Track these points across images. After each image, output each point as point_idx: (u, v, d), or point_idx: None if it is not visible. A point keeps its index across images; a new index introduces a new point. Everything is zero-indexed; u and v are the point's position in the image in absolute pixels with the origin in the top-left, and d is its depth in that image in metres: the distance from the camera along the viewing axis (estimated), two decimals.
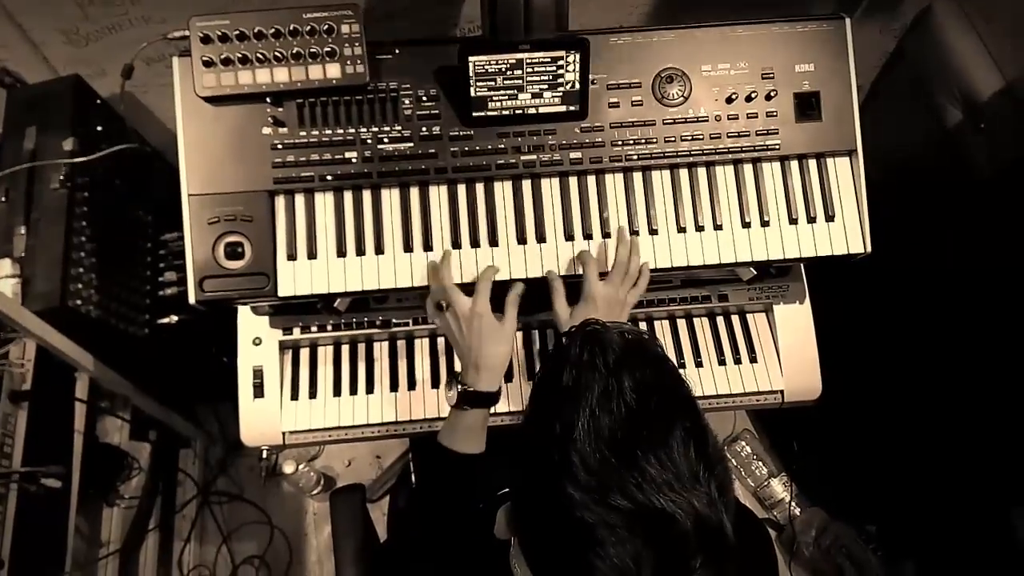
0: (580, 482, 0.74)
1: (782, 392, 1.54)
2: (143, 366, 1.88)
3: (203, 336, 1.89)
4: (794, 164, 1.39)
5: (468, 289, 1.29)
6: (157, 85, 1.84)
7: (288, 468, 2.18)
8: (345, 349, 1.55)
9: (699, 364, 1.55)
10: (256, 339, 1.51)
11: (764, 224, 1.37)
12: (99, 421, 1.88)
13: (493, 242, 1.34)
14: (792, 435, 2.11)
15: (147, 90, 1.86)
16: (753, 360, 1.55)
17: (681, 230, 1.36)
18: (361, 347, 1.55)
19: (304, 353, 1.54)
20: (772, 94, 1.35)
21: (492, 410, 1.31)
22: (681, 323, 1.59)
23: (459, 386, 1.27)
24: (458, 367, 1.36)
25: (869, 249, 1.37)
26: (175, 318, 1.82)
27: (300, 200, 1.33)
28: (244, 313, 1.51)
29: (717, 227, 1.36)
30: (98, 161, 1.65)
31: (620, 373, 0.82)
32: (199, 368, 2.05)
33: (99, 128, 1.77)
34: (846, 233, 1.37)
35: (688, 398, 0.86)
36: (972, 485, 1.86)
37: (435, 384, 1.52)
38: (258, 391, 1.49)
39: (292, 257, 1.31)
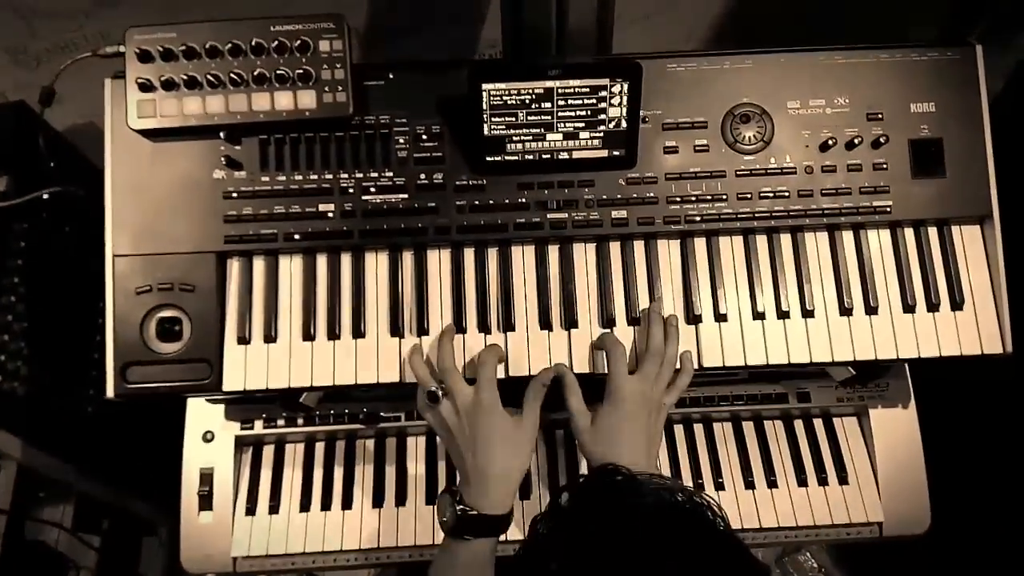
0: None
1: (880, 525, 1.19)
2: (90, 446, 1.58)
3: (161, 410, 1.58)
4: (909, 232, 1.06)
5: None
6: None
7: None
8: (319, 448, 1.23)
9: (772, 484, 1.20)
10: (207, 433, 1.20)
11: (870, 311, 1.03)
12: (33, 514, 1.56)
13: (508, 326, 1.02)
14: (869, 551, 1.73)
15: None
16: (843, 480, 1.20)
17: (758, 316, 1.03)
18: (340, 446, 1.23)
19: (267, 452, 1.23)
20: (881, 140, 1.03)
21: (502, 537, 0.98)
22: (748, 427, 1.25)
23: (457, 507, 0.94)
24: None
25: (1010, 349, 1.03)
26: None
27: (259, 265, 1.03)
28: (194, 399, 1.21)
29: (807, 313, 1.03)
30: (39, 205, 1.36)
31: (664, 562, 0.59)
32: (159, 445, 1.74)
33: (51, 164, 1.49)
34: (978, 327, 1.03)
35: None
36: None
37: (431, 499, 1.19)
38: (205, 502, 1.18)
39: (244, 340, 1.01)
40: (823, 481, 1.20)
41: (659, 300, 1.03)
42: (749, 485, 1.20)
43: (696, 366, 1.01)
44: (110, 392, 1.00)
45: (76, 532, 1.66)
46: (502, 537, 0.97)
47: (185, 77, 0.98)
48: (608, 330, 1.02)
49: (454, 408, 0.97)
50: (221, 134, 1.00)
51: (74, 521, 1.66)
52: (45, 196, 1.40)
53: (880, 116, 1.04)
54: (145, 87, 0.99)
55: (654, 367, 0.98)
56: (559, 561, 0.66)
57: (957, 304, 1.03)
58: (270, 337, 1.01)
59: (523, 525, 1.14)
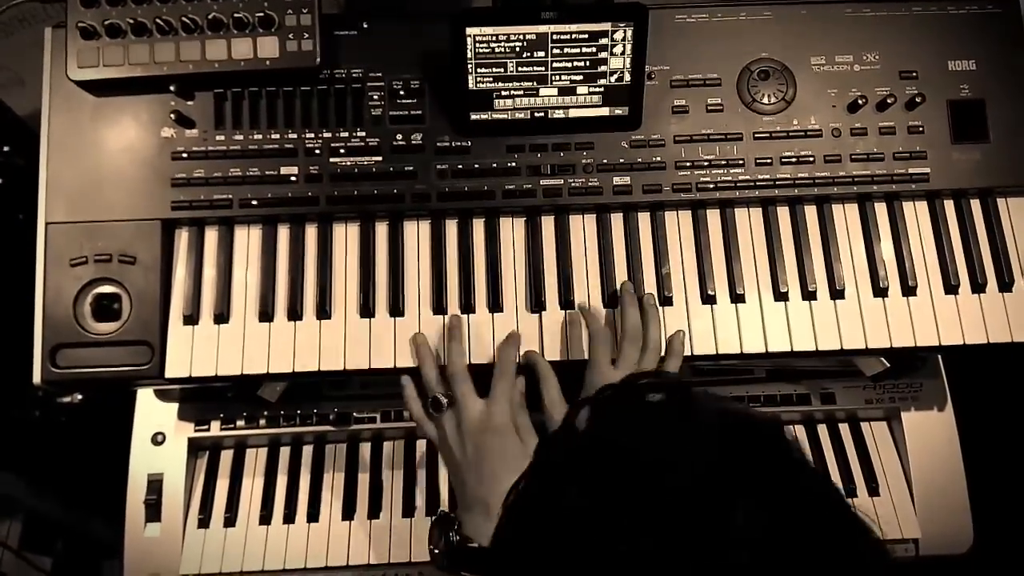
0: None
1: (916, 542, 1.05)
2: (39, 455, 1.44)
3: (123, 415, 1.45)
4: (949, 204, 0.94)
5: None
6: None
7: None
8: (284, 453, 1.09)
9: None
10: (157, 435, 1.06)
11: (908, 292, 0.90)
12: None
13: (495, 305, 0.90)
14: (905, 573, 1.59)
15: None
16: (873, 492, 1.07)
17: (781, 296, 0.90)
18: (307, 451, 1.09)
19: (225, 457, 1.09)
20: (916, 100, 0.92)
21: None
22: None
23: (454, 537, 0.80)
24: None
25: None
26: (80, 395, 1.38)
27: (211, 235, 0.91)
28: (144, 396, 1.07)
29: (836, 294, 0.90)
30: None
31: (735, 504, 0.39)
32: (122, 457, 1.60)
33: (5, 148, 1.38)
34: None
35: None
36: None
37: (408, 511, 1.05)
38: (152, 512, 1.04)
39: (191, 319, 0.88)
40: (851, 492, 1.06)
41: (632, 280, 0.90)
42: None
43: (713, 352, 0.88)
44: (36, 378, 0.88)
45: (23, 552, 1.51)
46: None
47: (132, 22, 0.87)
48: (610, 311, 0.90)
49: (456, 422, 0.84)
50: (171, 87, 0.89)
51: (21, 540, 1.52)
52: None
53: (915, 74, 0.93)
54: (87, 33, 0.88)
55: (633, 353, 0.86)
56: (581, 493, 0.44)
57: (1006, 284, 0.91)
58: (221, 317, 0.88)
59: None
